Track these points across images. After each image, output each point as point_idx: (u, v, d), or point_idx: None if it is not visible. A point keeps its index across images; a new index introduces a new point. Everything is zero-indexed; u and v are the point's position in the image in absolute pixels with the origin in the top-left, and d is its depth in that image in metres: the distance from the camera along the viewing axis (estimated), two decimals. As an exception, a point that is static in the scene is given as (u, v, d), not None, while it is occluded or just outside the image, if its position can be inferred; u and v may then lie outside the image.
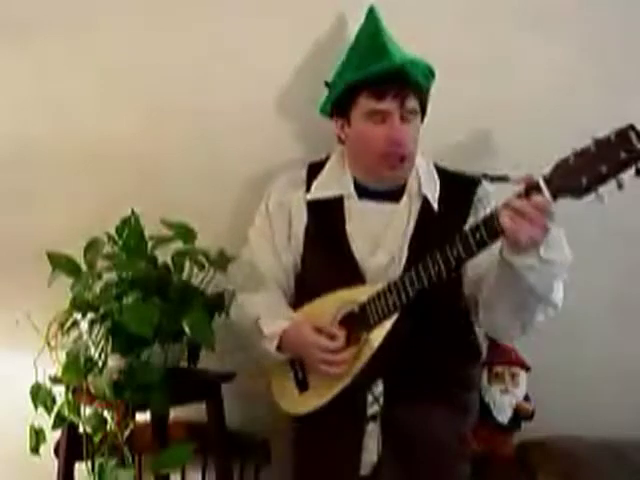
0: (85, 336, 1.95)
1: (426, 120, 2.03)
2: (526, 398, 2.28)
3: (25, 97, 2.30)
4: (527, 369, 2.27)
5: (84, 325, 1.96)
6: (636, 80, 2.41)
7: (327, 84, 2.08)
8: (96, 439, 1.94)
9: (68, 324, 2.00)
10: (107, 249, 2.04)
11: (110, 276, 1.99)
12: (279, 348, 1.97)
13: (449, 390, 1.95)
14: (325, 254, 2.02)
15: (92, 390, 1.92)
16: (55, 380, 2.04)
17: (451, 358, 1.94)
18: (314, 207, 2.05)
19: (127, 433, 1.90)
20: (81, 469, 2.03)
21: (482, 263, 1.80)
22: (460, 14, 2.33)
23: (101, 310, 1.92)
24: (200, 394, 2.13)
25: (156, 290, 1.95)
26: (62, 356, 1.98)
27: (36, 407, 2.02)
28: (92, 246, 2.05)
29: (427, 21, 2.26)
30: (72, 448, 2.06)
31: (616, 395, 2.42)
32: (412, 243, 1.95)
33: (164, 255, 2.07)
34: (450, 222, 1.93)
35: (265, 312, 2.01)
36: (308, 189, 2.06)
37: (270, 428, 2.21)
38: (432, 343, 1.90)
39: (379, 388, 1.93)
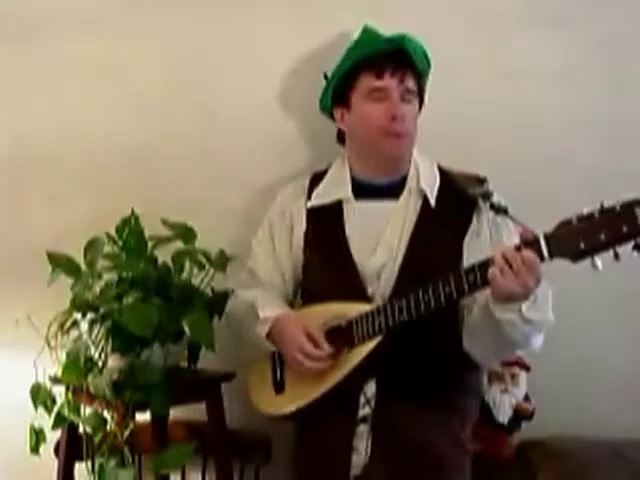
0: (85, 336, 1.95)
1: (425, 120, 2.03)
2: (526, 398, 2.27)
3: (25, 97, 2.31)
4: (527, 369, 2.27)
5: (84, 325, 1.96)
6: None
7: (326, 76, 2.09)
8: (96, 439, 1.94)
9: (68, 324, 2.00)
10: (107, 249, 2.05)
11: (110, 276, 2.00)
12: (269, 336, 1.98)
13: (445, 394, 1.95)
14: (325, 259, 2.03)
15: (92, 390, 1.92)
16: (55, 380, 2.04)
17: (448, 362, 1.93)
18: (313, 214, 2.06)
19: (127, 433, 1.90)
20: (81, 469, 2.03)
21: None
22: (461, 17, 2.33)
23: (101, 310, 1.93)
24: (200, 394, 2.13)
25: (156, 290, 1.96)
26: (62, 356, 1.98)
27: (36, 407, 2.02)
28: (92, 246, 2.05)
29: (426, 24, 2.27)
30: (72, 448, 2.06)
31: (616, 395, 2.41)
32: (411, 240, 1.94)
33: (164, 255, 2.07)
34: (451, 221, 1.93)
35: (262, 299, 2.03)
36: (309, 197, 2.07)
37: (270, 428, 2.21)
38: (429, 346, 1.90)
39: (372, 390, 1.92)
